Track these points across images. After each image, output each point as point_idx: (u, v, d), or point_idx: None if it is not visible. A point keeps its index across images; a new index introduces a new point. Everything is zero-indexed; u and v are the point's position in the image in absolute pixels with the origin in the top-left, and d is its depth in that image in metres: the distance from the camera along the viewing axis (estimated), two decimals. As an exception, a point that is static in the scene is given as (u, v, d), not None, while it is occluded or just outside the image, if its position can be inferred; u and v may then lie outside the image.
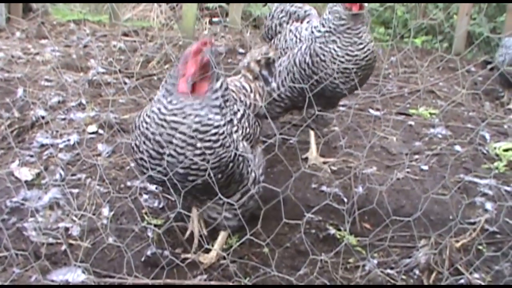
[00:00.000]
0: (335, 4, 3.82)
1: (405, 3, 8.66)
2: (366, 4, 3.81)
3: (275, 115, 4.28)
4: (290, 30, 4.11)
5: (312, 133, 4.29)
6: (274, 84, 4.05)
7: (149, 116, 2.79)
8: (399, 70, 6.35)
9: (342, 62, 3.77)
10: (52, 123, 4.48)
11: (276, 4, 4.33)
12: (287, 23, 4.21)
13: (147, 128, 2.78)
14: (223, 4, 8.55)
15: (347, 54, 3.77)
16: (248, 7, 8.83)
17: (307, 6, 4.25)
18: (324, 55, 3.80)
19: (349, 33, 3.76)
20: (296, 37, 4.04)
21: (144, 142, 2.78)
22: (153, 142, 2.76)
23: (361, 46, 3.79)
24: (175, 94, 2.76)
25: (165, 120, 2.74)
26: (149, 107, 2.85)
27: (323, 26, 3.86)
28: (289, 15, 4.23)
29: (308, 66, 3.86)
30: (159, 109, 2.76)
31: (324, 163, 4.26)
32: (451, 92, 5.93)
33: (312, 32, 3.93)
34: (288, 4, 4.26)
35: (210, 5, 8.70)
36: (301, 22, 4.15)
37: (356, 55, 3.78)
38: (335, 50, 3.78)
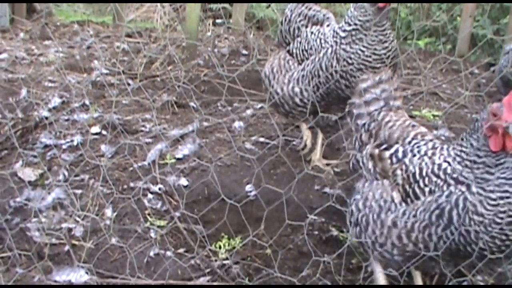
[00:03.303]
0: None
1: (408, 5, 8.65)
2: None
3: (297, 120, 4.24)
4: (312, 32, 4.03)
5: (320, 135, 4.29)
6: (297, 89, 4.01)
7: (498, 217, 2.50)
8: (402, 71, 6.35)
9: (370, 62, 3.70)
10: (55, 124, 4.50)
11: (291, 8, 4.27)
12: (306, 26, 4.15)
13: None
14: (227, 5, 8.56)
15: (374, 54, 3.69)
16: (252, 8, 8.83)
17: (324, 10, 4.20)
18: (350, 58, 3.72)
19: (375, 30, 3.66)
20: (320, 39, 3.95)
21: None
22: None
23: (386, 44, 3.72)
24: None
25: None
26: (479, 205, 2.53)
27: (349, 24, 3.76)
28: (308, 18, 4.16)
29: (335, 71, 3.78)
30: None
31: (327, 164, 4.26)
32: (454, 94, 5.92)
33: (337, 33, 3.83)
34: (305, 7, 4.21)
35: (214, 6, 8.71)
36: (321, 26, 4.11)
37: (383, 53, 3.70)
38: (361, 51, 3.70)
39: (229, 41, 7.20)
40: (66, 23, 8.20)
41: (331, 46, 3.83)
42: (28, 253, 3.15)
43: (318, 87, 3.90)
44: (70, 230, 3.44)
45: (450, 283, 2.69)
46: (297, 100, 4.01)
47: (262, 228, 3.24)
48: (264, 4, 8.69)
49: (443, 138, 4.70)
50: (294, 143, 4.50)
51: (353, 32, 3.74)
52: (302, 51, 4.03)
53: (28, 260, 3.17)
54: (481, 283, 3.14)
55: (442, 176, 2.66)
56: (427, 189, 2.69)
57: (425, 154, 2.79)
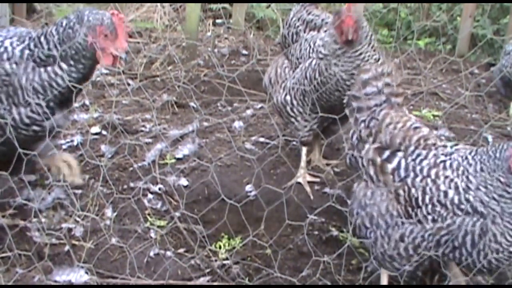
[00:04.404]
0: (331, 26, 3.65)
1: (408, 5, 8.65)
2: (364, 24, 3.64)
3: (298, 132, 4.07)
4: (306, 39, 3.97)
5: (319, 135, 4.28)
6: (288, 97, 3.97)
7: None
8: (402, 72, 6.35)
9: (348, 86, 3.59)
10: (55, 124, 4.49)
11: (294, 11, 4.24)
12: (304, 31, 4.10)
13: None
14: (227, 5, 8.56)
15: (352, 78, 3.57)
16: (252, 8, 8.82)
17: (324, 15, 4.15)
18: (330, 78, 3.66)
19: (349, 56, 3.61)
20: (310, 47, 3.89)
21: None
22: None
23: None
24: None
25: None
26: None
27: (324, 48, 3.71)
28: (306, 23, 4.11)
29: (317, 83, 3.73)
30: None
31: (327, 164, 4.26)
32: (454, 94, 5.92)
33: (319, 50, 3.78)
34: (305, 12, 4.17)
35: (214, 6, 8.71)
36: (318, 31, 4.06)
37: None
38: (340, 75, 3.63)
39: (229, 41, 7.19)
40: (66, 23, 8.18)
41: (316, 57, 3.78)
42: (28, 253, 3.15)
43: (304, 96, 3.86)
44: (70, 230, 3.44)
45: (450, 283, 2.70)
46: (288, 109, 3.97)
47: (262, 228, 3.24)
48: (264, 4, 8.68)
49: (443, 138, 4.71)
50: (294, 143, 4.50)
51: (328, 58, 3.68)
52: (297, 58, 3.98)
53: (28, 260, 3.17)
54: (481, 283, 3.14)
55: (449, 207, 2.68)
56: (430, 217, 2.72)
57: (428, 175, 2.76)
